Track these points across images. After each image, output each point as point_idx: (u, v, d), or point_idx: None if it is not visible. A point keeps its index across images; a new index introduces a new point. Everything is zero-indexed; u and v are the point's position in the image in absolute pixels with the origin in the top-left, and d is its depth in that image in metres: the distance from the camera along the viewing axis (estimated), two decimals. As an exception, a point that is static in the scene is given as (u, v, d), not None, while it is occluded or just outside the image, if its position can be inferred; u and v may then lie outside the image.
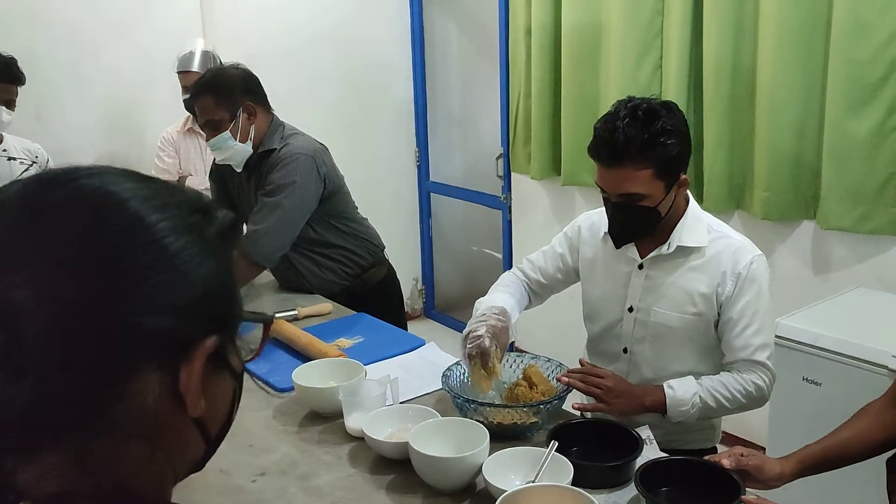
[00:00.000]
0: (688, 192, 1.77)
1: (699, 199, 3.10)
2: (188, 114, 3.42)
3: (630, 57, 3.26)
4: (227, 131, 2.36)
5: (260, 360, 2.16)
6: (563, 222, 3.92)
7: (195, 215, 0.62)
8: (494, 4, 4.05)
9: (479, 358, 1.69)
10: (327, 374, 1.83)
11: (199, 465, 0.68)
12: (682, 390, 1.66)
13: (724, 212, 3.05)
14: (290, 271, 2.54)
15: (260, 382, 1.90)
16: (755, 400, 1.68)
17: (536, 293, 2.02)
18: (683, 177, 1.69)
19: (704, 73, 3.04)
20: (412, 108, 4.69)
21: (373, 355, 2.04)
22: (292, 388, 1.82)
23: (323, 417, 1.75)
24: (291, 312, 2.32)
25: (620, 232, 1.73)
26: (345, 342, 2.13)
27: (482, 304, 1.86)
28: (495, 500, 1.28)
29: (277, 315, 2.27)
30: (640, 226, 1.70)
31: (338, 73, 4.31)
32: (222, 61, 2.95)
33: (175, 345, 0.59)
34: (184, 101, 3.35)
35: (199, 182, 3.24)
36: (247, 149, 2.42)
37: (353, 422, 1.65)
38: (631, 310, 1.79)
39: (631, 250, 1.79)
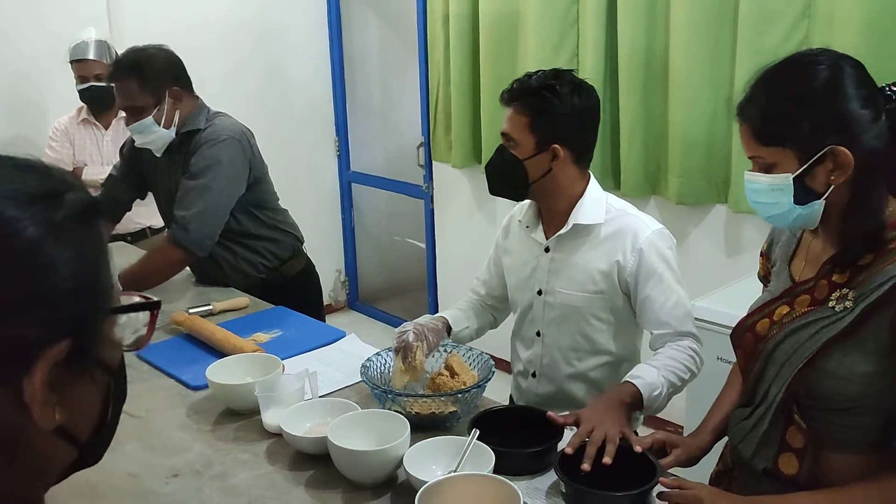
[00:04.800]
0: (589, 173, 1.80)
1: (616, 186, 3.16)
2: (82, 103, 3.28)
3: (547, 45, 3.28)
4: (150, 117, 2.27)
5: (174, 357, 2.10)
6: (486, 210, 3.97)
7: (37, 204, 0.55)
8: (412, -8, 4.02)
9: (402, 352, 1.69)
10: (243, 370, 1.77)
11: (84, 464, 0.63)
12: (646, 374, 1.60)
13: (641, 197, 3.11)
14: (207, 261, 2.44)
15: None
16: (697, 366, 1.70)
17: (495, 307, 2.02)
18: (556, 146, 1.70)
19: (619, 63, 3.09)
20: (331, 97, 4.62)
21: (291, 349, 1.99)
22: (206, 386, 1.76)
23: (239, 414, 1.70)
24: (206, 307, 2.24)
25: (491, 172, 1.80)
26: (262, 336, 2.07)
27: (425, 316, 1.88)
28: (417, 492, 1.26)
29: (191, 310, 2.19)
30: (506, 174, 1.75)
31: (254, 64, 4.20)
32: (118, 52, 2.83)
33: (16, 355, 0.52)
34: (79, 91, 3.21)
35: (98, 172, 3.11)
36: (170, 134, 2.33)
37: (270, 418, 1.61)
38: (540, 293, 1.81)
39: (538, 234, 1.82)
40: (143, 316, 0.65)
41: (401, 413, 1.53)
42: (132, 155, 2.52)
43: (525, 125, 1.70)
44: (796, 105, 1.19)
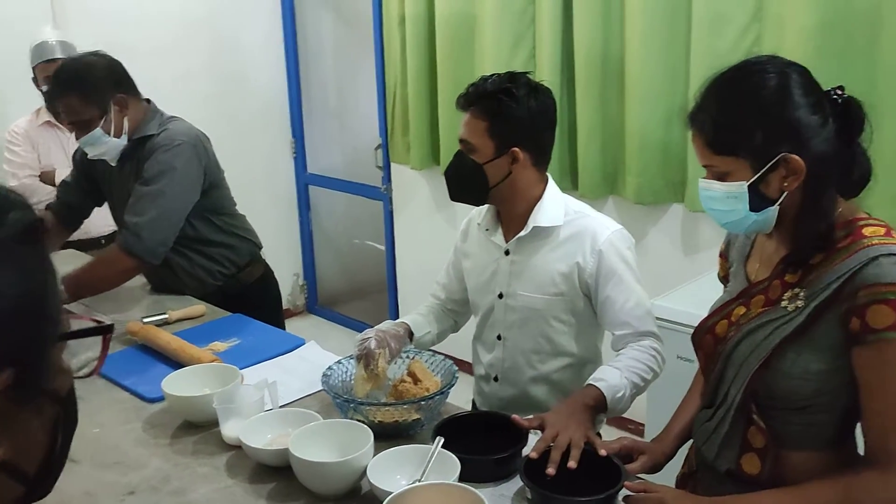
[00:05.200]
0: (548, 175, 1.80)
1: (574, 187, 3.18)
2: (40, 105, 3.18)
3: (504, 46, 3.29)
4: (99, 128, 2.20)
5: (128, 368, 2.04)
6: (445, 212, 3.96)
7: None
8: (367, -7, 3.99)
9: (364, 359, 1.66)
10: (201, 381, 1.73)
11: (32, 498, 0.59)
12: (609, 377, 1.60)
13: (599, 197, 3.13)
14: (162, 269, 2.38)
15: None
16: (659, 365, 1.70)
17: (456, 311, 2.01)
18: (515, 150, 1.70)
19: (576, 64, 3.10)
20: (286, 99, 4.56)
21: (250, 358, 1.95)
22: (163, 398, 1.72)
23: (197, 427, 1.66)
24: (162, 316, 2.19)
25: (451, 178, 1.78)
26: (219, 346, 2.03)
27: (386, 322, 1.86)
28: (381, 503, 1.25)
29: (146, 320, 2.14)
30: (467, 179, 1.74)
31: (207, 65, 4.13)
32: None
33: None
34: (44, 94, 3.10)
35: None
36: (122, 142, 2.26)
37: (229, 430, 1.57)
38: (501, 296, 1.81)
39: (498, 237, 1.81)
40: (95, 341, 0.62)
41: (363, 422, 1.51)
42: (85, 162, 2.46)
43: (483, 130, 1.69)
44: (748, 115, 1.20)
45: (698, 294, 2.52)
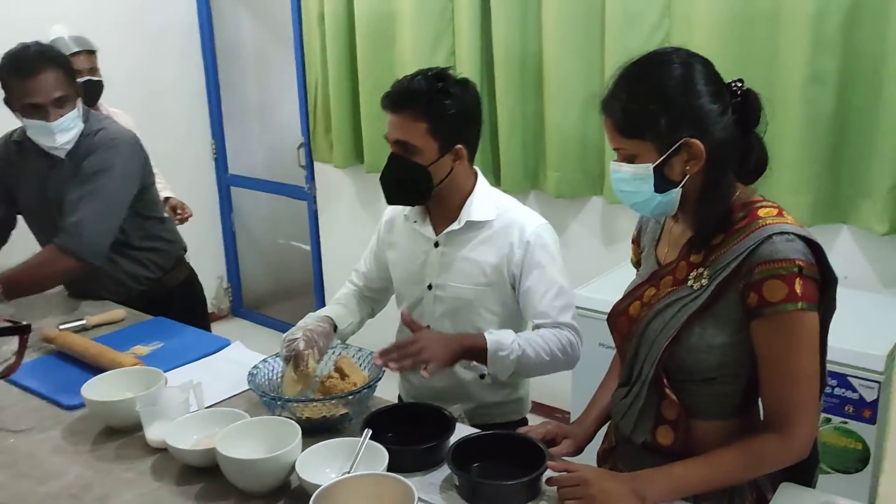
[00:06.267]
0: (477, 169, 1.83)
1: (497, 182, 3.23)
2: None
3: (424, 44, 3.31)
4: (76, 109, 2.17)
5: (45, 376, 1.97)
6: (370, 210, 3.96)
7: None
8: (286, -10, 3.96)
9: (293, 360, 1.66)
10: (123, 386, 1.69)
11: None
12: (501, 335, 1.66)
13: (521, 192, 3.19)
14: (84, 273, 2.27)
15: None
16: (568, 356, 1.73)
17: (374, 298, 2.02)
18: (459, 147, 1.73)
19: (495, 61, 3.15)
20: (205, 99, 4.48)
21: (173, 361, 1.92)
22: (83, 405, 1.67)
23: (119, 432, 1.62)
24: (79, 322, 2.13)
25: (390, 183, 1.77)
26: (141, 349, 1.98)
27: (310, 316, 1.85)
28: (310, 497, 1.25)
29: (62, 326, 2.08)
30: (410, 182, 1.74)
31: (120, 65, 4.00)
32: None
33: None
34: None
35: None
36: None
37: (153, 433, 1.54)
38: (430, 287, 1.83)
39: (427, 229, 1.83)
40: (11, 341, 0.61)
41: (291, 419, 1.51)
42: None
43: (424, 131, 1.68)
44: (653, 101, 1.27)
45: (619, 283, 2.56)
